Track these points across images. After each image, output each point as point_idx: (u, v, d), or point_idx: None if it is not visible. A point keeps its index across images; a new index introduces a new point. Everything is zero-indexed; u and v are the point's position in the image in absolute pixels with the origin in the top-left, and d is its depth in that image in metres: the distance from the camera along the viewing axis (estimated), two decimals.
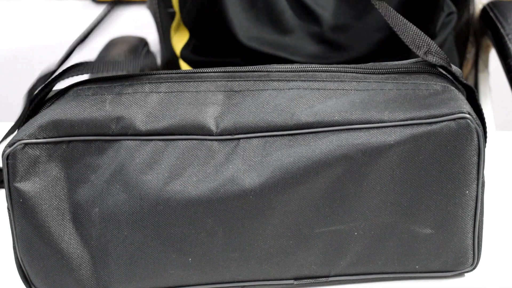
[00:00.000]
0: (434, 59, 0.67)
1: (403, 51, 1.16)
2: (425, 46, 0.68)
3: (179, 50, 1.28)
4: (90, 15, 2.42)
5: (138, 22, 1.87)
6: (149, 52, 1.43)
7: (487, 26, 1.34)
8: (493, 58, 1.34)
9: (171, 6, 1.30)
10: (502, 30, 1.27)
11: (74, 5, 2.39)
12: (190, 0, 1.19)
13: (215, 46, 1.21)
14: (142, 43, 1.44)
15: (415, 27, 0.70)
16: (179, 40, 1.29)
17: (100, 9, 2.40)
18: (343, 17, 1.14)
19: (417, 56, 1.17)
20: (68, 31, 2.38)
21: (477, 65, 1.41)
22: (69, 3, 2.40)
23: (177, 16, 1.27)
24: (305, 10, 1.15)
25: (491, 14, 1.33)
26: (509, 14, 1.30)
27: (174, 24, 1.30)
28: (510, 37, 1.25)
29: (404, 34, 0.70)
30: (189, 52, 1.25)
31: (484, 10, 1.37)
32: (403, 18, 0.71)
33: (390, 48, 1.16)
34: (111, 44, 1.42)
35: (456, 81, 0.68)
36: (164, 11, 1.33)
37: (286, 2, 1.14)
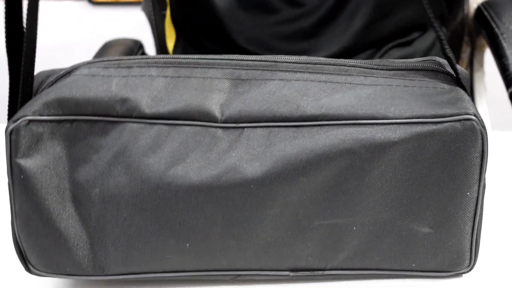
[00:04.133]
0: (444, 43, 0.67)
1: (387, 40, 1.17)
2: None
3: (171, 49, 1.29)
4: (87, 16, 2.41)
5: (133, 24, 1.87)
6: (144, 54, 1.43)
7: (482, 25, 1.35)
8: (488, 57, 1.35)
9: (165, 8, 1.31)
10: (496, 30, 1.28)
11: (71, 6, 2.38)
12: None
13: (202, 41, 1.21)
14: (137, 46, 1.44)
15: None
16: (170, 39, 1.30)
17: (96, 10, 2.39)
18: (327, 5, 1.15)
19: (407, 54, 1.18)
20: (64, 32, 2.37)
21: (472, 64, 1.42)
22: (66, 4, 2.38)
23: (168, 15, 1.27)
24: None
25: (486, 13, 1.33)
26: (504, 13, 1.31)
27: (167, 23, 1.30)
28: (505, 36, 1.25)
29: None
30: (179, 53, 1.26)
31: (478, 9, 1.38)
32: None
33: (374, 35, 1.17)
34: (106, 47, 1.42)
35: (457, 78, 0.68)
36: (159, 13, 1.34)
37: None
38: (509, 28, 1.27)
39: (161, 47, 1.38)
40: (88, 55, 1.39)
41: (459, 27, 1.40)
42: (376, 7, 1.14)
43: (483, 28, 1.34)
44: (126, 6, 2.38)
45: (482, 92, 1.39)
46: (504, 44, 1.25)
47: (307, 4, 1.15)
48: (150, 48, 1.47)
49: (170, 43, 1.30)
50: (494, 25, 1.29)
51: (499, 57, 1.24)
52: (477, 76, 1.40)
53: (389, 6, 1.15)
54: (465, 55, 1.42)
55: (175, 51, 1.28)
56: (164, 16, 1.32)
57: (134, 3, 2.37)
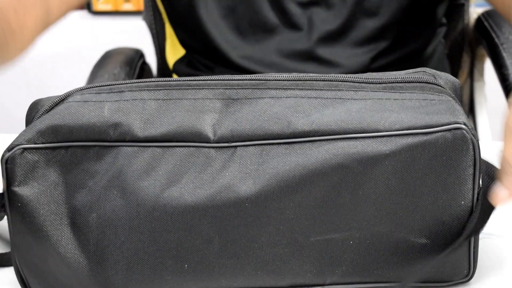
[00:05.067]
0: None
1: (391, 68, 1.16)
2: None
3: (172, 63, 1.29)
4: (86, 26, 2.42)
5: (133, 33, 1.87)
6: (144, 64, 1.44)
7: (482, 35, 1.35)
8: (489, 67, 1.35)
9: None
10: (496, 40, 1.28)
11: (70, 15, 2.39)
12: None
13: (200, 59, 1.22)
14: (137, 55, 1.44)
15: None
16: (174, 54, 1.30)
17: (96, 19, 2.40)
18: (331, 30, 1.14)
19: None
20: (64, 41, 2.39)
21: (473, 74, 1.42)
22: None
23: (170, 30, 1.28)
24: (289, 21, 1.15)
25: (486, 24, 1.34)
26: (503, 23, 1.31)
27: (170, 38, 1.31)
28: (505, 46, 1.26)
29: None
30: (183, 65, 1.26)
31: (478, 20, 1.39)
32: None
33: (378, 62, 1.16)
34: (107, 56, 1.42)
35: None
36: (159, 22, 1.34)
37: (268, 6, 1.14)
38: (509, 38, 1.27)
39: (162, 56, 1.38)
40: (88, 65, 1.39)
41: (459, 37, 1.40)
42: (380, 40, 1.14)
43: (483, 38, 1.35)
44: (126, 16, 2.39)
45: (483, 102, 1.39)
46: (504, 54, 1.25)
47: (304, 30, 1.14)
48: (151, 57, 1.48)
49: (172, 57, 1.30)
50: (494, 35, 1.30)
51: (499, 67, 1.24)
52: (477, 86, 1.41)
53: (393, 41, 1.14)
54: (465, 65, 1.42)
55: (179, 64, 1.28)
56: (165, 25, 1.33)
57: (134, 13, 2.38)
